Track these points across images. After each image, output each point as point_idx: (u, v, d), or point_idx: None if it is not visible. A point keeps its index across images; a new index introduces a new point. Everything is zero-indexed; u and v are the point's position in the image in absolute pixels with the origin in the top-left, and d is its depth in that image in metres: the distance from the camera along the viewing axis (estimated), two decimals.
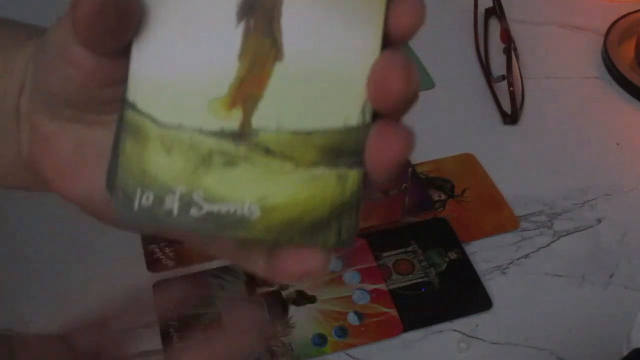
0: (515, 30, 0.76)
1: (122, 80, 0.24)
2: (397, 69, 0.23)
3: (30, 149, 0.27)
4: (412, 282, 0.54)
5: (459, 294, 0.54)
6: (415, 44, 0.71)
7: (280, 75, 0.24)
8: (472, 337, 0.52)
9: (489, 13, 0.79)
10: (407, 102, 0.24)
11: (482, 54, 0.74)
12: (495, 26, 0.77)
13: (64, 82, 0.25)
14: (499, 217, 0.60)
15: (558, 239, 0.58)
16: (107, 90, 0.25)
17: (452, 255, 0.56)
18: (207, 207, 0.24)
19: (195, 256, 0.55)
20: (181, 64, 0.24)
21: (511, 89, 0.68)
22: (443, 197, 0.61)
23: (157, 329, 0.50)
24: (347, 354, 0.50)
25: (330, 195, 0.24)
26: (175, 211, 0.24)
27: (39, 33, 0.28)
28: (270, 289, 0.54)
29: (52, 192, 0.29)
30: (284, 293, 0.53)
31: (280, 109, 0.24)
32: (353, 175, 0.24)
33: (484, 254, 0.57)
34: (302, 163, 0.24)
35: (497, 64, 0.73)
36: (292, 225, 0.24)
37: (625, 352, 0.46)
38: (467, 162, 0.64)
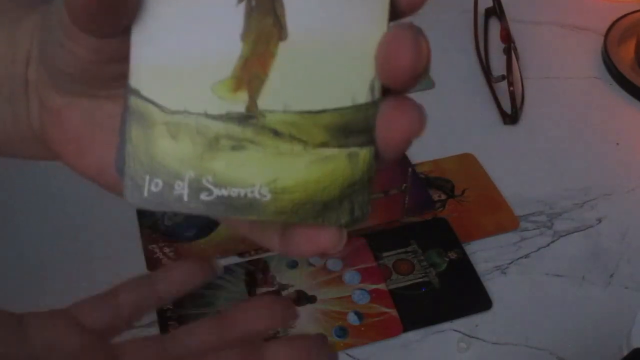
0: (515, 30, 0.76)
1: (127, 57, 0.24)
2: (407, 42, 0.23)
3: (40, 121, 0.27)
4: (412, 282, 0.54)
5: (459, 294, 0.54)
6: None
7: (284, 55, 0.24)
8: (472, 337, 0.52)
9: (489, 13, 0.79)
10: (418, 76, 0.23)
11: (482, 54, 0.74)
12: (495, 26, 0.77)
13: (69, 59, 0.24)
14: (499, 217, 0.60)
15: (558, 239, 0.58)
16: (114, 66, 0.25)
17: (452, 255, 0.56)
18: (217, 192, 0.24)
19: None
20: (182, 47, 0.24)
21: (511, 89, 0.68)
22: (443, 197, 0.61)
23: (156, 328, 0.50)
24: (347, 354, 0.50)
25: (341, 174, 0.24)
26: (185, 196, 0.24)
27: (46, 1, 0.27)
28: (271, 289, 0.54)
29: (62, 163, 0.29)
30: (284, 293, 0.53)
31: (287, 90, 0.24)
32: (364, 154, 0.24)
33: (484, 254, 0.57)
34: (311, 144, 0.24)
35: (497, 64, 0.73)
36: (303, 206, 0.24)
37: (625, 352, 0.46)
38: (467, 162, 0.64)
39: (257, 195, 0.24)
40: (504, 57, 0.72)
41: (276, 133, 0.24)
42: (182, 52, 0.24)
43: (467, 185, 0.62)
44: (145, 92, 0.24)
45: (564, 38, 0.78)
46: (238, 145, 0.24)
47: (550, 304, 0.54)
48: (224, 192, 0.24)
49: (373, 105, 0.24)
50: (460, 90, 0.72)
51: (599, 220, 0.60)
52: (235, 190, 0.24)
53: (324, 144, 0.24)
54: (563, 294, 0.54)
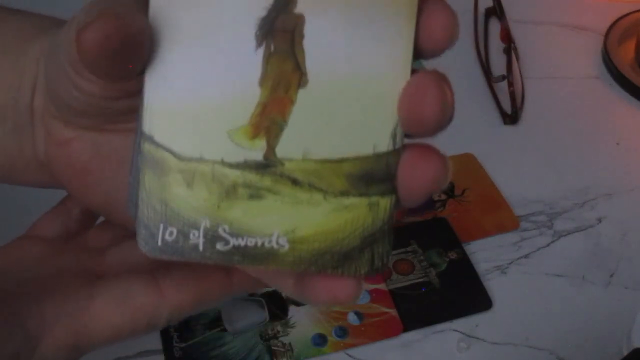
0: (515, 30, 0.76)
1: (137, 92, 0.23)
2: (432, 94, 0.22)
3: (45, 152, 0.27)
4: (412, 282, 0.54)
5: (459, 294, 0.54)
6: None
7: (304, 101, 0.23)
8: (472, 337, 0.52)
9: (489, 13, 0.79)
10: (443, 127, 0.22)
11: (482, 54, 0.74)
12: (495, 26, 0.77)
13: (76, 94, 0.24)
14: (499, 217, 0.60)
15: (558, 239, 0.58)
16: (124, 101, 0.24)
17: (452, 255, 0.56)
18: (233, 241, 0.23)
19: None
20: (198, 91, 0.23)
21: (511, 88, 0.68)
22: (443, 197, 0.61)
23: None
24: (347, 354, 0.50)
25: (361, 223, 0.23)
26: (201, 246, 0.23)
27: (53, 25, 0.27)
28: (270, 288, 0.54)
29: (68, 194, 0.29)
30: (284, 293, 0.53)
31: (306, 137, 0.23)
32: (384, 203, 0.23)
33: (484, 254, 0.57)
34: (331, 192, 0.23)
35: (497, 64, 0.73)
36: (322, 256, 0.23)
37: (625, 352, 0.46)
38: (467, 162, 0.64)
39: (274, 245, 0.23)
40: (504, 57, 0.72)
41: (295, 181, 0.23)
42: (197, 97, 0.23)
43: (467, 185, 0.62)
44: (158, 138, 0.23)
45: (564, 38, 0.78)
46: (255, 194, 0.23)
47: (550, 304, 0.54)
48: (241, 242, 0.23)
49: (395, 153, 0.23)
50: (460, 90, 0.71)
51: (599, 220, 0.60)
52: (252, 239, 0.23)
53: (344, 193, 0.23)
54: (563, 294, 0.54)
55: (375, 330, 0.51)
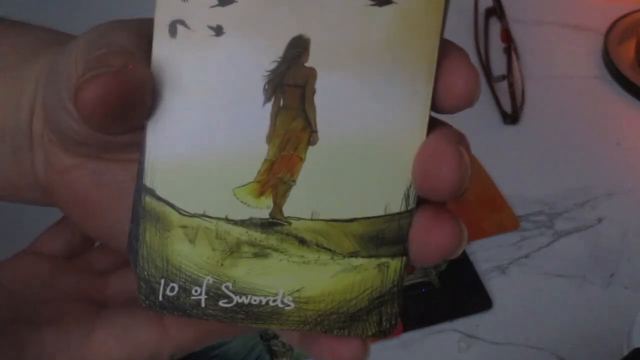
0: (516, 30, 0.76)
1: (138, 127, 0.22)
2: (448, 159, 0.21)
3: (45, 176, 0.26)
4: (412, 282, 0.54)
5: (459, 294, 0.54)
6: None
7: (314, 159, 0.22)
8: (472, 337, 0.52)
9: (489, 13, 0.79)
10: (459, 192, 0.21)
11: (482, 53, 0.74)
12: (495, 26, 0.77)
13: (75, 126, 0.23)
14: (499, 217, 0.60)
15: (558, 239, 0.58)
16: (125, 137, 0.23)
17: None
18: (236, 299, 0.23)
19: None
20: (202, 146, 0.22)
21: (511, 89, 0.68)
22: None
23: None
24: None
25: (370, 285, 0.23)
26: (203, 303, 0.23)
27: (54, 40, 0.26)
28: None
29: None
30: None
31: (315, 196, 0.22)
32: (395, 264, 0.23)
33: (484, 254, 0.57)
34: (339, 253, 0.22)
35: (498, 64, 0.73)
36: (328, 317, 0.23)
37: (625, 352, 0.46)
38: None
39: (279, 304, 0.23)
40: (504, 57, 0.72)
41: (302, 241, 0.22)
42: (201, 152, 0.22)
43: (467, 185, 0.62)
44: (160, 192, 0.22)
45: (565, 38, 0.78)
46: (261, 253, 0.23)
47: (550, 304, 0.54)
48: (244, 300, 0.23)
49: (407, 214, 0.22)
50: None
51: (599, 220, 0.60)
52: (257, 298, 0.23)
53: (353, 254, 0.23)
54: (563, 294, 0.54)
55: None
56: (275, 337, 0.50)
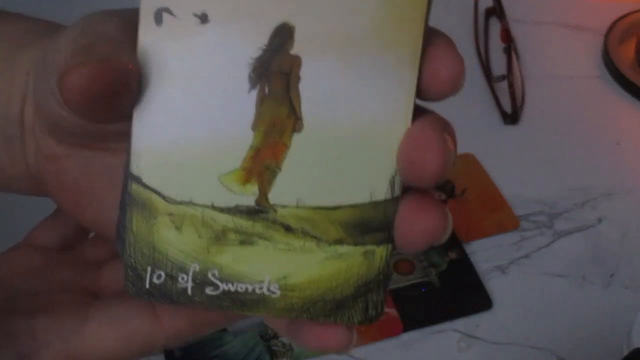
0: (516, 30, 0.76)
1: (128, 116, 0.23)
2: (433, 145, 0.21)
3: (36, 165, 0.26)
4: (412, 282, 0.54)
5: (459, 294, 0.54)
6: None
7: (299, 146, 0.22)
8: (472, 337, 0.52)
9: (489, 13, 0.79)
10: (443, 177, 0.22)
11: (482, 53, 0.74)
12: (495, 26, 0.77)
13: (64, 114, 0.23)
14: (499, 217, 0.60)
15: (558, 239, 0.58)
16: (115, 125, 0.23)
17: (452, 255, 0.56)
18: (223, 286, 0.23)
19: None
20: (188, 133, 0.22)
21: (511, 89, 0.68)
22: (443, 197, 0.61)
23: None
24: (347, 354, 0.50)
25: (355, 272, 0.23)
26: (190, 290, 0.23)
27: (46, 31, 0.26)
28: None
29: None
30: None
31: (301, 183, 0.22)
32: (380, 251, 0.23)
33: (484, 254, 0.57)
34: (325, 240, 0.23)
35: (498, 64, 0.73)
36: (314, 304, 0.23)
37: (625, 352, 0.46)
38: (467, 162, 0.64)
39: (265, 291, 0.23)
40: (504, 57, 0.72)
41: (288, 228, 0.23)
42: (187, 139, 0.22)
43: (467, 185, 0.62)
44: (146, 180, 0.23)
45: (565, 38, 0.78)
46: (247, 240, 0.23)
47: (550, 304, 0.54)
48: (231, 287, 0.23)
49: (393, 201, 0.22)
50: (461, 90, 0.72)
51: (599, 220, 0.60)
52: (243, 285, 0.23)
53: (338, 241, 0.23)
54: (563, 294, 0.54)
55: (375, 330, 0.51)
56: (276, 337, 0.50)
